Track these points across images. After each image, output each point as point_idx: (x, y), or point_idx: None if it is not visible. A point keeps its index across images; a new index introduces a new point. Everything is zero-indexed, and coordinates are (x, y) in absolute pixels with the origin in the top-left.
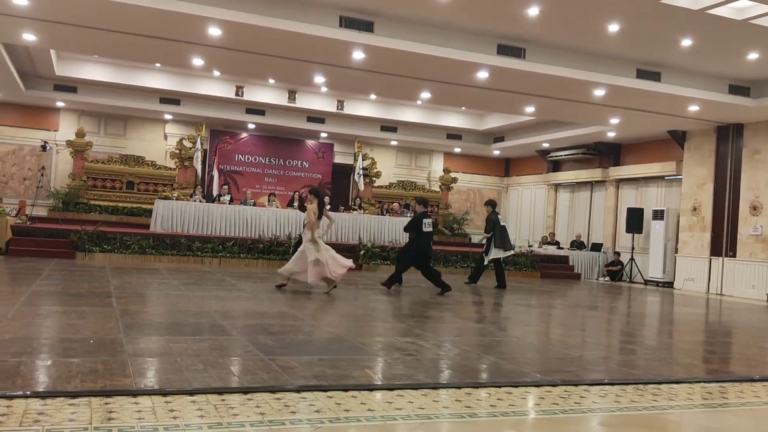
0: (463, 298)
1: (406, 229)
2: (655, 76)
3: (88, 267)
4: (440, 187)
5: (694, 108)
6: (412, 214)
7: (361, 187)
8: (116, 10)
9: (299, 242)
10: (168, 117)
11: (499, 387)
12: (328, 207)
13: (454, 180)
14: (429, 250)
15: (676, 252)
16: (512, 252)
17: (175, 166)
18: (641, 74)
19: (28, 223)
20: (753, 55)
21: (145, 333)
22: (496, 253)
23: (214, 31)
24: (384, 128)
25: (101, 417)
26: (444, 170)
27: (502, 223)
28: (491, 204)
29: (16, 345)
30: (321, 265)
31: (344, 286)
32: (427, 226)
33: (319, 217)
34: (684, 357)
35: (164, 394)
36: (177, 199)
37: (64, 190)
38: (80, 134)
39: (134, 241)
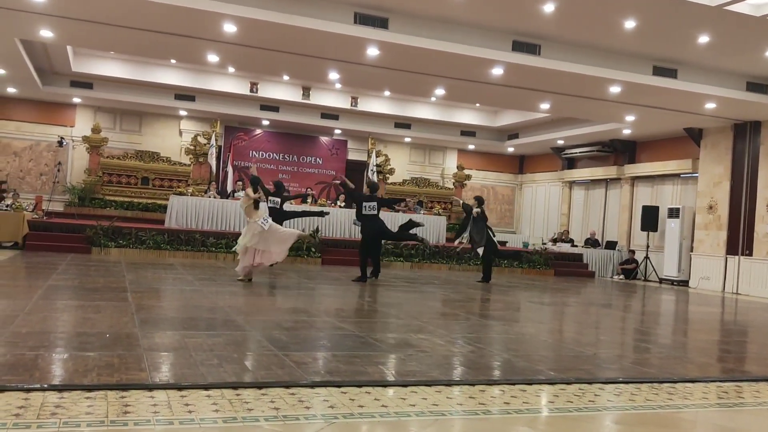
0: (477, 295)
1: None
2: (671, 73)
3: (103, 262)
4: (454, 184)
5: (710, 105)
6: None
7: None
8: (132, 6)
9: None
10: (183, 113)
11: (513, 384)
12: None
13: (468, 177)
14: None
15: (692, 250)
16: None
17: (189, 162)
18: (657, 71)
19: (44, 218)
20: None
21: (160, 328)
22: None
23: (229, 28)
24: (398, 125)
25: (117, 410)
26: (458, 167)
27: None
28: (478, 200)
29: (33, 339)
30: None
31: (357, 283)
32: (367, 209)
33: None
34: (699, 356)
35: (179, 388)
36: (192, 195)
37: (80, 185)
38: (96, 130)
39: (149, 237)
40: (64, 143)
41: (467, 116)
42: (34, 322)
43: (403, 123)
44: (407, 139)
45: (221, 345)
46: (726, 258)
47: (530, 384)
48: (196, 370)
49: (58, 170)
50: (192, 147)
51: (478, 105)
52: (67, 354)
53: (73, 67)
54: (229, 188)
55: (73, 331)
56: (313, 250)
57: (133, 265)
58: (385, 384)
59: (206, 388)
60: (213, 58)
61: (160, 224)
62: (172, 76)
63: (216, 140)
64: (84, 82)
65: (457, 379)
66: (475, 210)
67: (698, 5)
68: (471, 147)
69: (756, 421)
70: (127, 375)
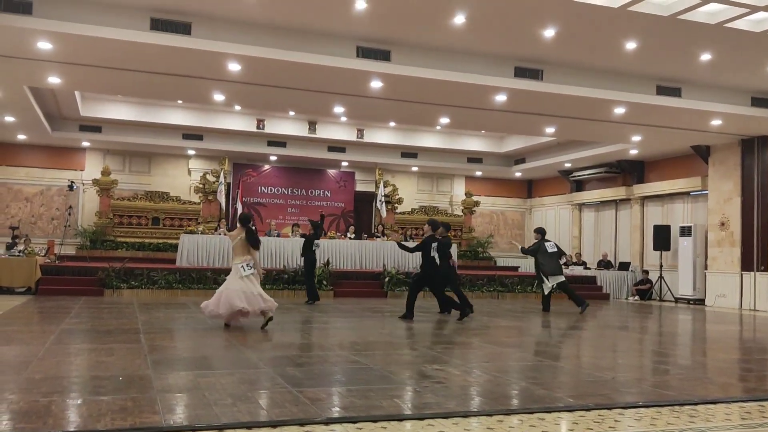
0: (491, 322)
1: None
2: (675, 92)
3: (116, 304)
4: (463, 211)
5: (716, 122)
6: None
7: (384, 213)
8: (138, 50)
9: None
10: (191, 152)
11: (532, 413)
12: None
13: (477, 203)
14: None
15: (706, 268)
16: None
17: (199, 201)
18: (661, 90)
19: (56, 262)
20: None
21: (174, 368)
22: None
23: (234, 67)
24: (404, 154)
25: None
26: (466, 194)
27: (550, 250)
28: (539, 232)
29: (46, 384)
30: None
31: (370, 314)
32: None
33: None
34: (720, 376)
35: (193, 429)
36: (202, 233)
37: (91, 228)
38: (106, 173)
39: (161, 277)
40: (75, 187)
41: (473, 143)
42: (48, 367)
43: (410, 152)
44: (414, 168)
45: (235, 384)
46: (741, 274)
47: (549, 412)
48: (210, 410)
49: (69, 214)
50: (201, 185)
51: (483, 131)
52: (81, 399)
53: (82, 112)
54: None
55: (86, 375)
56: (324, 282)
57: (145, 306)
58: (401, 418)
59: (220, 429)
60: (219, 97)
61: (171, 263)
62: (179, 116)
63: (225, 177)
64: (93, 126)
65: (475, 409)
66: (548, 245)
67: (698, 24)
68: (478, 173)
69: None
70: (140, 418)
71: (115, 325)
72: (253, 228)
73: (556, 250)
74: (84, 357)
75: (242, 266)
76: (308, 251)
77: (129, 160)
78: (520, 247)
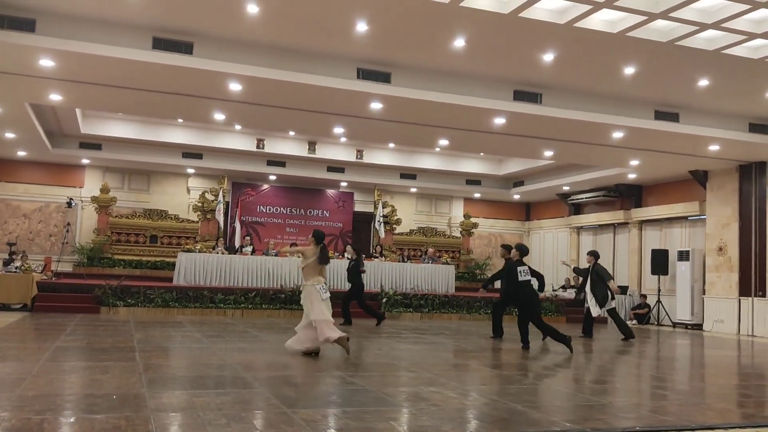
0: (488, 345)
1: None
2: (673, 117)
3: (112, 321)
4: (461, 232)
5: (714, 147)
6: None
7: (382, 234)
8: (139, 69)
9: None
10: (190, 171)
11: None
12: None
13: (475, 225)
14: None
15: (704, 293)
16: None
17: (197, 219)
18: (659, 115)
19: (53, 279)
20: None
21: (168, 387)
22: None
23: (235, 87)
24: (403, 176)
25: None
26: (464, 216)
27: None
28: (593, 255)
29: (39, 402)
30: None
31: (367, 335)
32: (523, 274)
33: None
34: (718, 402)
35: None
36: (200, 252)
37: (88, 245)
38: (105, 190)
39: (157, 295)
40: (73, 204)
41: (472, 165)
42: (42, 384)
43: (409, 173)
44: (413, 189)
45: (229, 404)
46: (739, 300)
47: None
48: (204, 430)
49: (67, 231)
50: (200, 204)
51: (482, 154)
52: (74, 417)
53: (82, 129)
54: (237, 244)
55: (80, 393)
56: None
57: (141, 324)
58: None
59: None
60: (219, 116)
61: (168, 282)
62: (179, 135)
63: (223, 196)
64: (93, 144)
65: None
66: (601, 269)
67: (696, 50)
68: (477, 195)
69: None
70: None
71: (110, 342)
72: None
73: (607, 276)
74: (78, 375)
75: (321, 289)
76: (356, 276)
77: (128, 177)
78: (573, 267)
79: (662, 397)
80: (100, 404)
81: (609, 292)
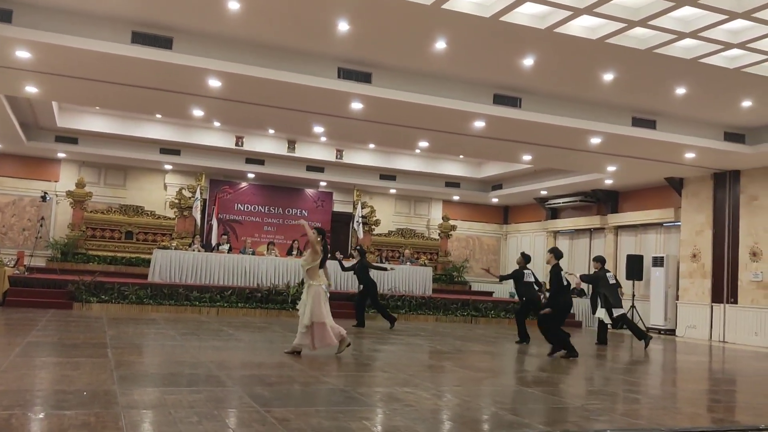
0: (464, 347)
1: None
2: (650, 124)
3: (84, 317)
4: (439, 234)
5: (690, 155)
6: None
7: (361, 235)
8: (118, 62)
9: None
10: (168, 167)
11: None
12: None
13: (453, 228)
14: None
15: (677, 299)
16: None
17: (174, 216)
18: (636, 122)
19: (26, 273)
20: (747, 103)
21: (140, 384)
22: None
23: (214, 83)
24: (383, 177)
25: None
26: (443, 218)
27: (611, 281)
28: (599, 260)
29: (8, 398)
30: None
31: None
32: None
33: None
34: (688, 406)
35: None
36: (176, 249)
37: (62, 240)
38: (80, 185)
39: (132, 291)
40: (48, 198)
41: (451, 167)
42: (11, 380)
43: (388, 175)
44: (392, 191)
45: (202, 402)
46: (711, 306)
47: None
48: (175, 428)
49: (41, 225)
50: (177, 201)
51: (461, 156)
52: (43, 413)
53: (58, 122)
54: (214, 241)
55: (50, 389)
56: (298, 302)
57: (114, 321)
58: None
59: None
60: (198, 112)
61: (143, 279)
62: (157, 130)
63: (201, 193)
64: (69, 137)
65: None
66: (609, 275)
67: (674, 58)
68: (456, 198)
69: None
70: None
71: (82, 339)
72: None
73: (615, 281)
74: (49, 370)
75: (326, 289)
76: (366, 277)
77: (104, 172)
78: (579, 275)
79: (634, 401)
80: (69, 400)
81: (605, 300)
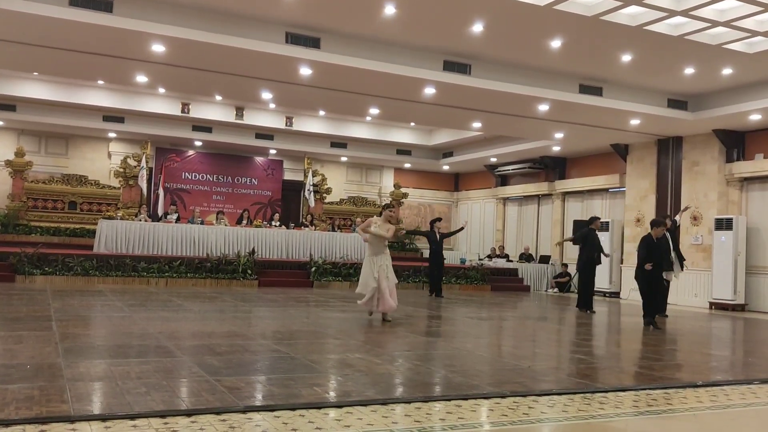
0: (415, 312)
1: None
2: (597, 91)
3: (28, 290)
4: (391, 202)
5: (635, 122)
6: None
7: (312, 203)
8: (55, 26)
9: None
10: (112, 135)
11: (449, 400)
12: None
13: (405, 195)
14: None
15: (622, 263)
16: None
17: (119, 186)
18: (584, 89)
19: None
20: (689, 70)
21: (86, 357)
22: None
23: (158, 48)
24: (334, 144)
25: None
26: (394, 186)
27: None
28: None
29: None
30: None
31: (295, 304)
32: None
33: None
34: (630, 365)
35: (104, 419)
36: (122, 219)
37: (2, 211)
38: (20, 154)
39: (77, 263)
40: None
41: (403, 135)
42: None
43: (339, 142)
44: (343, 159)
45: (150, 372)
46: None
47: (466, 399)
48: (122, 399)
49: None
50: (121, 170)
51: (412, 124)
52: None
53: None
54: (160, 211)
55: None
56: (249, 272)
57: (59, 293)
58: (320, 406)
59: (132, 417)
60: (142, 78)
61: (88, 250)
62: (99, 97)
63: (146, 162)
64: (6, 104)
65: (394, 397)
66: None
67: (620, 25)
68: (407, 165)
69: (684, 427)
70: (48, 407)
71: (25, 312)
72: None
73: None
74: None
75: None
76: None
77: (45, 141)
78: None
79: (579, 361)
80: (12, 374)
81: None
